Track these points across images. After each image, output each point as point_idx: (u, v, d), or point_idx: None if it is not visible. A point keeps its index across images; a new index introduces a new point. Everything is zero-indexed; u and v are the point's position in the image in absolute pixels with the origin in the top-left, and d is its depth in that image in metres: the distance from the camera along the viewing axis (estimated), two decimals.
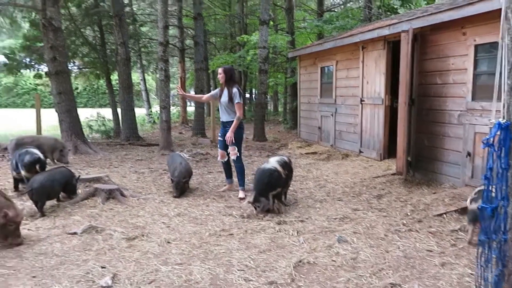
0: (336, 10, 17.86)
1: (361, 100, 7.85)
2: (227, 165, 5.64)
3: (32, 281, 2.87)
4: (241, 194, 5.34)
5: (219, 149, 5.61)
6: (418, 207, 4.64)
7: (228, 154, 5.44)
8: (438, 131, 5.77)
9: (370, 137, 7.64)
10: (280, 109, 25.06)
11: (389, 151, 7.22)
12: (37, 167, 5.11)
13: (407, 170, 5.85)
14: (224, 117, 5.39)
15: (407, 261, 3.25)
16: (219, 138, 5.57)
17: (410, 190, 5.42)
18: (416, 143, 6.17)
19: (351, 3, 17.47)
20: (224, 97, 5.31)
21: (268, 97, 23.80)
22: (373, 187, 5.69)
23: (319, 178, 6.42)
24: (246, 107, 21.43)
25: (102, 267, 3.10)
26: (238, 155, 5.34)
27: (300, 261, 3.21)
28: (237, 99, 5.25)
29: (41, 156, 5.30)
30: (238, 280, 2.93)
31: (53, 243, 3.61)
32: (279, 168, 4.63)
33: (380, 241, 3.66)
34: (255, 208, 4.48)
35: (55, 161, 7.18)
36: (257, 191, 4.47)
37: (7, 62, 11.79)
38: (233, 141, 5.26)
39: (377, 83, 7.39)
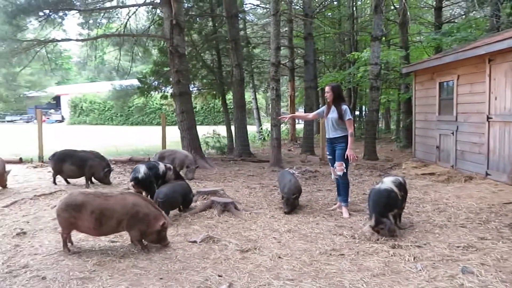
0: (456, 21, 16.59)
1: (488, 118, 7.12)
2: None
3: (160, 282, 3.18)
4: (345, 213, 5.27)
5: (331, 167, 5.62)
6: None
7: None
8: None
9: (500, 159, 6.86)
10: (392, 126, 23.91)
11: None
12: (131, 184, 5.62)
13: None
14: (331, 134, 5.41)
15: None
16: (329, 156, 5.60)
17: None
18: None
19: (475, 12, 16.05)
20: (333, 114, 5.34)
21: (379, 114, 22.92)
22: (503, 214, 5.08)
23: (438, 202, 5.95)
24: (355, 125, 20.95)
25: (219, 276, 3.30)
26: (344, 171, 5.31)
27: None
28: (348, 116, 5.27)
29: (140, 175, 5.53)
30: None
31: (176, 250, 3.95)
32: (395, 189, 4.43)
33: None
34: (378, 232, 4.26)
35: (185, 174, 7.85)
36: (377, 213, 4.26)
37: (140, 85, 13.34)
38: (342, 157, 5.25)
39: (508, 99, 6.64)
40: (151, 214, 3.83)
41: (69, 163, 7.15)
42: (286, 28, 17.51)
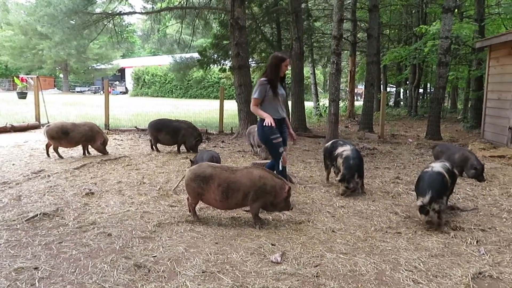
0: None
1: None
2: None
3: (215, 247, 3.29)
4: None
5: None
6: None
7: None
8: None
9: None
10: (460, 106, 22.50)
11: None
12: None
13: None
14: (282, 113, 4.58)
15: None
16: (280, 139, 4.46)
17: None
18: None
19: None
20: (282, 90, 4.60)
21: (446, 92, 21.58)
22: None
23: (507, 185, 5.56)
24: (418, 103, 19.92)
25: (272, 245, 3.35)
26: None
27: (480, 273, 2.87)
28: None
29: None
30: (406, 280, 2.79)
31: (231, 217, 4.05)
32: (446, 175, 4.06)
33: None
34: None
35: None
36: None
37: (200, 58, 13.54)
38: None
39: None
40: (277, 185, 3.81)
41: (164, 133, 7.65)
42: (350, 0, 16.80)
